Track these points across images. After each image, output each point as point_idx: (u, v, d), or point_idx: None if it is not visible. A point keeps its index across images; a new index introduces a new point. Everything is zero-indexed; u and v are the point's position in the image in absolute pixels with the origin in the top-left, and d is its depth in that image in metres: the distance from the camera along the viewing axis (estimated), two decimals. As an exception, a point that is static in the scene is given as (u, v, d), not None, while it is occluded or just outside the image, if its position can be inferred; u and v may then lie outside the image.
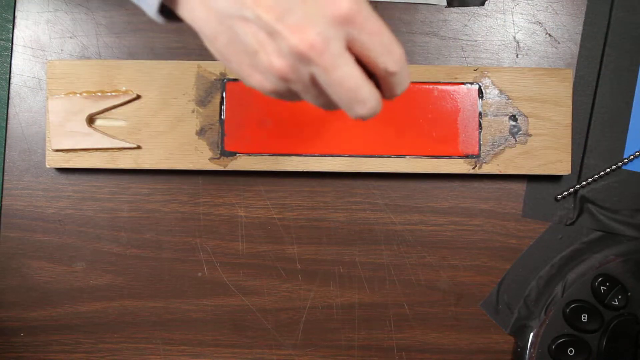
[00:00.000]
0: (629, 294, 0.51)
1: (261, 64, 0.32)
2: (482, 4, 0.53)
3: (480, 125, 0.51)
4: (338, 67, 0.31)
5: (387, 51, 0.32)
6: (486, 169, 0.51)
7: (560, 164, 0.51)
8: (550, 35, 0.54)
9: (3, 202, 0.52)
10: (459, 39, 0.53)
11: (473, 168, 0.51)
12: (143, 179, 0.53)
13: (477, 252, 0.53)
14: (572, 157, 0.52)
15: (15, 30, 0.53)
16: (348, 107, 0.33)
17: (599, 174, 0.53)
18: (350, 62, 0.32)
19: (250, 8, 0.30)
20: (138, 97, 0.50)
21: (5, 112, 0.52)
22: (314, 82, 0.33)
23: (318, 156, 0.51)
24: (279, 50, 0.31)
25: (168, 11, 0.34)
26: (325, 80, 0.32)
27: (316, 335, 0.53)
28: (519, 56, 0.53)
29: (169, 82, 0.50)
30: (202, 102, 0.51)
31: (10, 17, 0.53)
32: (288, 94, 0.34)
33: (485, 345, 0.53)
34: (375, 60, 0.33)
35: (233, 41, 0.32)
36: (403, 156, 0.51)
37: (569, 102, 0.51)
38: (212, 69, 0.51)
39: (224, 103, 0.51)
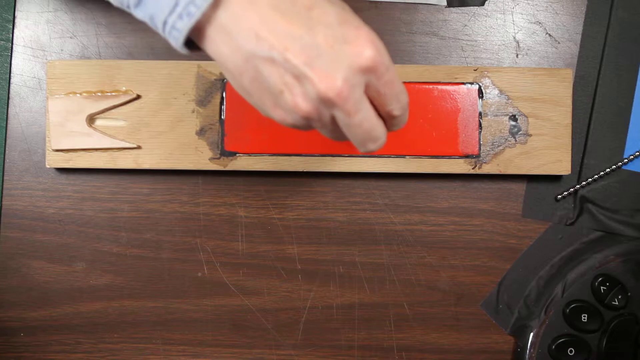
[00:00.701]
0: (629, 294, 0.51)
1: (285, 103, 0.33)
2: (482, 4, 0.53)
3: (480, 125, 0.51)
4: (359, 112, 0.33)
5: (396, 99, 0.34)
6: (486, 169, 0.51)
7: (560, 164, 0.51)
8: (550, 35, 0.54)
9: (3, 202, 0.52)
10: (459, 39, 0.53)
11: (473, 168, 0.51)
12: (143, 179, 0.53)
13: (477, 252, 0.53)
14: (572, 157, 0.52)
15: (15, 30, 0.53)
16: (361, 144, 0.35)
17: (599, 174, 0.53)
18: (368, 106, 0.34)
19: (278, 51, 0.31)
20: (138, 97, 0.50)
21: (5, 112, 0.52)
22: (333, 121, 0.34)
23: (318, 156, 0.51)
24: (305, 93, 0.32)
25: (191, 41, 0.35)
26: (345, 122, 0.33)
27: (316, 335, 0.53)
28: (519, 56, 0.53)
29: (169, 82, 0.50)
30: (202, 102, 0.51)
31: (10, 17, 0.53)
32: (305, 128, 0.35)
33: (485, 345, 0.53)
34: (384, 105, 0.35)
35: (257, 79, 0.33)
36: (403, 156, 0.51)
37: (569, 102, 0.51)
38: (212, 69, 0.51)
39: (224, 103, 0.51)
